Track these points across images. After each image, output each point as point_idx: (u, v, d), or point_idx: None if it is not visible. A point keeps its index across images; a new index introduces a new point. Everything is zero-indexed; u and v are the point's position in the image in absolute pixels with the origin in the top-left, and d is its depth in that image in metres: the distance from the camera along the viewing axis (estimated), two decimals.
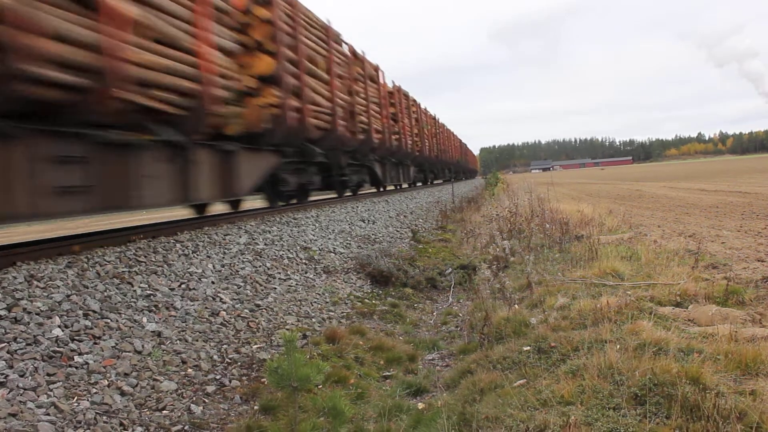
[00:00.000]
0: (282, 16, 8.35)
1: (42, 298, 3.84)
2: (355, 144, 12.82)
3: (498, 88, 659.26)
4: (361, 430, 3.28)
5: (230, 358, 4.15)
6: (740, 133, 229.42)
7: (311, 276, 6.75)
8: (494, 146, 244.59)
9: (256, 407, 3.50)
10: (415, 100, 24.15)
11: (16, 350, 3.25)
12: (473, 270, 7.71)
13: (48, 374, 3.17)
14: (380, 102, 16.02)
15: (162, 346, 3.95)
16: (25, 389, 2.99)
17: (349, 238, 9.23)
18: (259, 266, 6.28)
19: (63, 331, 3.57)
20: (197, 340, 4.23)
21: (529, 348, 3.89)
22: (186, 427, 3.18)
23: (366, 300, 6.54)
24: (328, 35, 11.19)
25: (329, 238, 8.70)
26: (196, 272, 5.35)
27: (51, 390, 3.07)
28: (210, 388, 3.66)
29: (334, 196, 13.86)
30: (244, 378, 3.91)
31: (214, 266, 5.70)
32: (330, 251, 8.02)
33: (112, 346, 3.66)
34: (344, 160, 12.39)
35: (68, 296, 3.98)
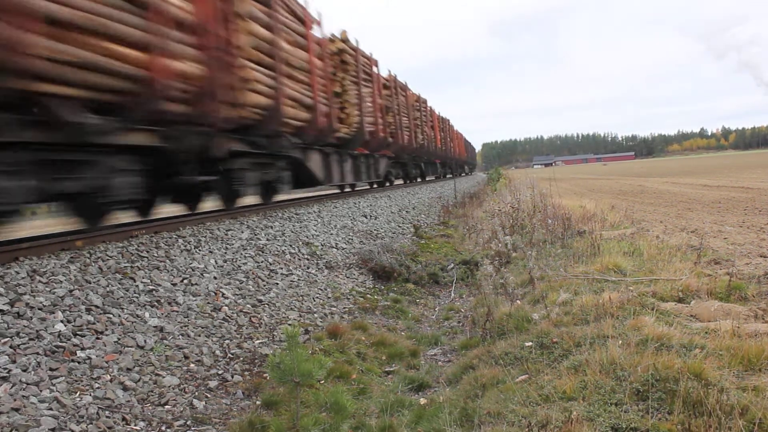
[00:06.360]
0: None
1: (44, 293, 3.84)
2: (231, 121, 7.09)
3: (499, 83, 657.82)
4: (363, 426, 3.28)
5: (232, 353, 4.15)
6: (743, 129, 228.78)
7: (313, 271, 6.75)
8: (496, 141, 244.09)
9: (258, 402, 3.51)
10: (395, 78, 18.91)
11: (18, 345, 3.26)
12: (475, 265, 7.71)
13: (50, 369, 3.18)
14: (310, 61, 10.15)
15: (164, 341, 3.96)
16: (27, 384, 3.00)
17: (351, 234, 9.23)
18: (262, 261, 6.28)
19: (65, 326, 3.58)
20: (199, 335, 4.23)
21: (531, 343, 3.89)
22: (188, 422, 3.18)
23: (368, 295, 6.54)
24: None
25: (331, 234, 8.70)
26: (198, 267, 5.36)
27: (53, 385, 3.08)
28: (212, 383, 3.67)
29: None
30: (246, 373, 3.91)
31: (216, 261, 5.70)
32: (332, 246, 8.02)
33: (115, 341, 3.67)
34: (222, 147, 7.16)
35: (71, 291, 3.99)
